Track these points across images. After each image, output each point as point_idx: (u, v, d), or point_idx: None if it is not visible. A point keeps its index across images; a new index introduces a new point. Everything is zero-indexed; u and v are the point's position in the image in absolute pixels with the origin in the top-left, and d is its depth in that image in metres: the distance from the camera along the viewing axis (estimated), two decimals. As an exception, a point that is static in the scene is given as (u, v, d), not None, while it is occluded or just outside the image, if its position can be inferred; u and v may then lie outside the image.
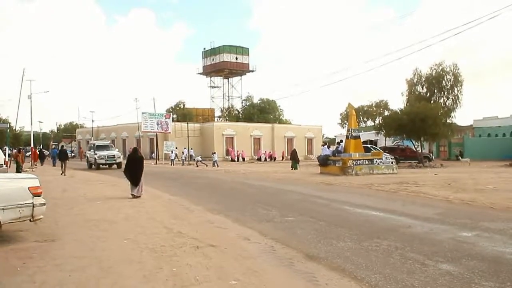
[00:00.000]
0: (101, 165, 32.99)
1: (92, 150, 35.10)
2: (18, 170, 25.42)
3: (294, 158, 32.72)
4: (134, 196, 14.16)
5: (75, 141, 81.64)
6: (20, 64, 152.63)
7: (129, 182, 14.62)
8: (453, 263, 6.17)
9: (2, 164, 19.33)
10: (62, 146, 35.64)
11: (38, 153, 40.73)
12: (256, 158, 56.08)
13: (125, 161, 15.94)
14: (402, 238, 7.81)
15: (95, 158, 33.21)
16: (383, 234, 8.18)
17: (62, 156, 28.47)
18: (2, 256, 6.78)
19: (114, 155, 33.51)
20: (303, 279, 5.67)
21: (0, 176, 8.04)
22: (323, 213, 10.90)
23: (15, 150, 33.24)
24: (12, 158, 29.94)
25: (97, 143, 37.01)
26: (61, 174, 25.92)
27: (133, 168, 14.52)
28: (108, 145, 36.65)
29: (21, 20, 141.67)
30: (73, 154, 76.31)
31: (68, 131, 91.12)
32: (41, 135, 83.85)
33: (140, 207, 12.23)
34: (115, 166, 33.24)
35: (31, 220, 7.74)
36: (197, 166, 38.33)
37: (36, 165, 35.93)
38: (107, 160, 32.99)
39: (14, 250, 7.14)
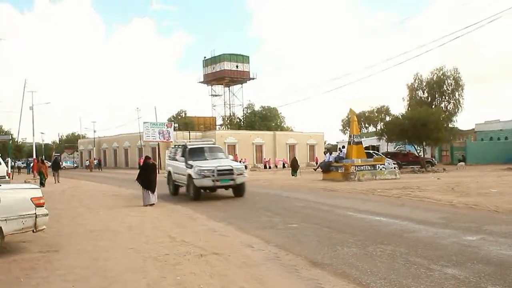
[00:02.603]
0: (205, 190, 16.72)
1: (181, 159, 17.47)
2: (42, 182, 25.13)
3: (294, 166, 33.31)
4: (150, 205, 14.44)
5: (77, 151, 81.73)
6: (21, 75, 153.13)
7: (141, 192, 14.96)
8: (459, 267, 6.13)
9: (5, 176, 19.34)
10: (56, 158, 36.74)
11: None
12: (263, 166, 55.91)
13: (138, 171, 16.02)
14: (406, 243, 7.77)
15: (189, 176, 16.17)
16: (388, 239, 8.14)
17: (54, 166, 30.60)
18: (5, 267, 6.76)
19: (231, 169, 16.25)
20: (308, 286, 5.63)
21: (2, 187, 8.04)
22: (327, 219, 10.86)
23: (39, 161, 31.90)
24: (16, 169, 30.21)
25: (191, 145, 18.57)
26: (55, 182, 28.04)
27: (147, 176, 14.85)
28: (213, 147, 18.83)
29: (21, 31, 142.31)
30: (75, 165, 76.45)
31: (70, 142, 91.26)
32: (43, 146, 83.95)
33: (144, 216, 12.22)
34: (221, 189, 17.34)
35: (34, 230, 7.72)
36: None
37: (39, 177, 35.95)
38: (218, 179, 15.99)
39: (17, 261, 7.12)
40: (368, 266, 6.34)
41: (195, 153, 17.19)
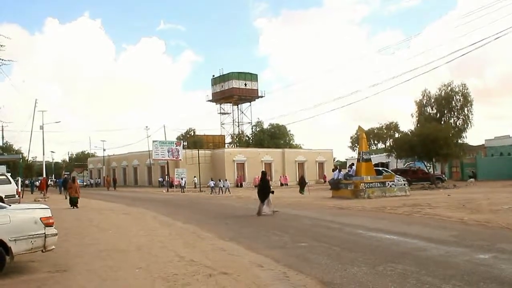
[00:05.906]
0: None
1: None
2: (72, 202, 22.24)
3: (301, 184, 33.51)
4: (259, 215, 16.23)
5: (87, 170, 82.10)
6: (31, 95, 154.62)
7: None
8: (471, 287, 6.03)
9: (15, 195, 19.45)
10: (66, 176, 37.55)
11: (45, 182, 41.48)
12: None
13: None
14: (417, 261, 7.67)
15: None
16: (398, 258, 8.04)
17: (65, 184, 32.79)
18: (14, 287, 6.75)
19: None
20: (317, 306, 5.56)
21: (12, 207, 8.08)
22: (336, 238, 10.77)
23: (70, 180, 28.26)
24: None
25: None
26: (65, 198, 29.37)
27: (262, 189, 16.88)
28: None
29: (31, 51, 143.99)
30: (84, 183, 76.76)
31: (80, 160, 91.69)
32: (53, 165, 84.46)
33: (153, 235, 12.19)
34: None
35: (43, 250, 7.73)
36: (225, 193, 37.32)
37: (48, 195, 36.07)
38: None
39: (26, 281, 7.11)
40: (378, 286, 6.26)
41: None
